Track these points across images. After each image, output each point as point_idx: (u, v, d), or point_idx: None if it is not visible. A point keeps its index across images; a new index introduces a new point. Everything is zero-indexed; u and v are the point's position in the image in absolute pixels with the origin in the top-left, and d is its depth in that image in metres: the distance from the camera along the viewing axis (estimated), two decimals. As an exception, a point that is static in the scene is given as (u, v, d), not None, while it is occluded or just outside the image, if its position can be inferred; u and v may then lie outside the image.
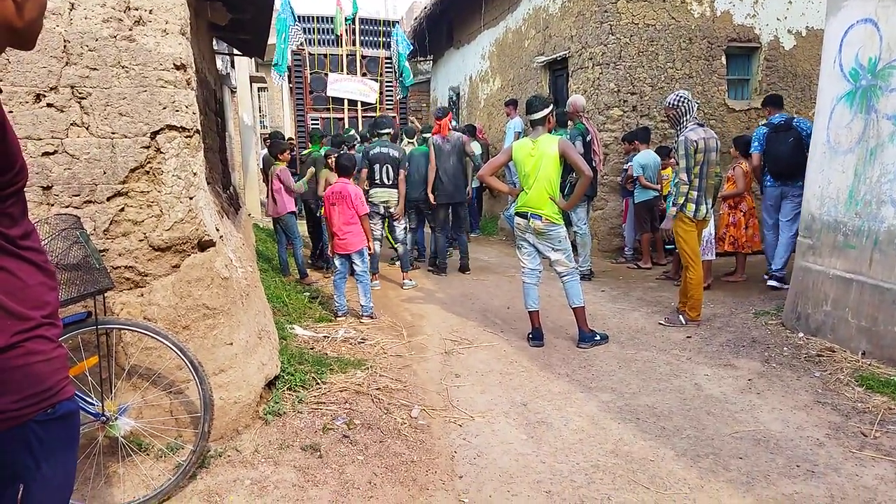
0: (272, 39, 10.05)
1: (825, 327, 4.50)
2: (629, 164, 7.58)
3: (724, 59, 8.41)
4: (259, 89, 17.10)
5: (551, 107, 4.71)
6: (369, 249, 5.73)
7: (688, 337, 4.85)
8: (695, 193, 4.90)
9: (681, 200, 4.91)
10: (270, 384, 3.55)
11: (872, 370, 3.93)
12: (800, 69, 8.71)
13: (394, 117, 11.02)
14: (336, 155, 6.43)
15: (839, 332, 4.37)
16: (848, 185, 4.35)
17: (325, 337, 4.89)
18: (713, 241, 6.25)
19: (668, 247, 7.10)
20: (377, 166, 6.74)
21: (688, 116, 4.90)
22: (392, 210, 6.83)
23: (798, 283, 4.83)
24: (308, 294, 6.25)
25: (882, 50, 4.08)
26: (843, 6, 4.43)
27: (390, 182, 6.78)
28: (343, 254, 5.59)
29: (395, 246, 7.11)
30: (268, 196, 7.30)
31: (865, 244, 4.18)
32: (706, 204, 4.97)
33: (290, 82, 11.80)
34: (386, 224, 7.29)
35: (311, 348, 4.55)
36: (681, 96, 4.93)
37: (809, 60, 8.57)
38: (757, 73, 8.70)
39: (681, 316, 5.15)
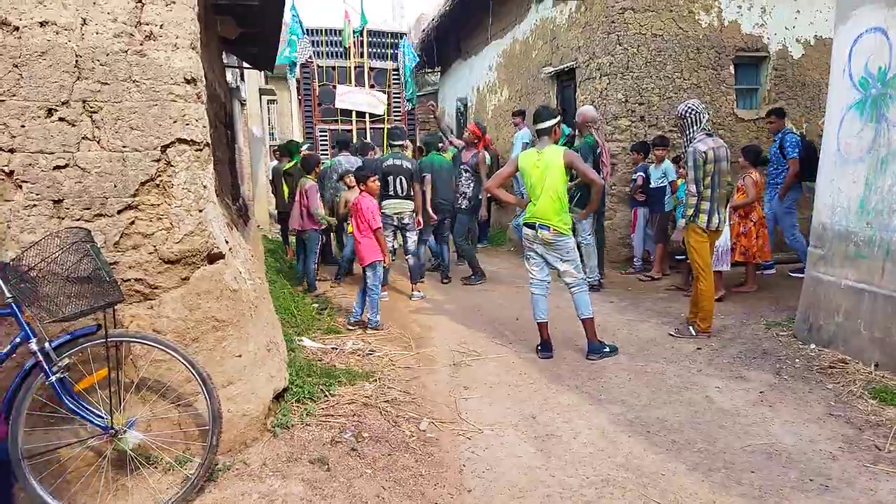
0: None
1: (837, 338, 4.45)
2: (638, 173, 7.57)
3: (732, 68, 8.38)
4: (269, 102, 17.22)
5: (559, 118, 4.73)
6: (384, 263, 5.75)
7: (698, 348, 4.82)
8: (707, 204, 4.87)
9: (689, 211, 4.89)
10: (279, 396, 3.54)
11: (886, 382, 3.88)
12: (808, 78, 8.68)
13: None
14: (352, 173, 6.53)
15: (851, 343, 4.33)
16: (859, 194, 4.32)
17: (333, 349, 4.89)
18: (728, 251, 6.21)
19: (677, 257, 7.06)
20: (391, 178, 6.76)
21: (695, 127, 4.88)
22: (406, 221, 6.84)
23: (809, 293, 4.79)
24: (317, 305, 6.26)
25: (892, 59, 4.06)
26: (853, 15, 4.41)
27: (404, 193, 6.80)
28: (362, 266, 5.67)
29: (406, 258, 7.11)
30: (295, 208, 7.24)
31: (877, 254, 4.14)
32: (719, 214, 4.94)
33: (298, 94, 11.88)
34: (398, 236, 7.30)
35: (320, 360, 4.55)
36: (689, 107, 4.92)
37: (818, 69, 8.54)
38: (765, 83, 8.67)
39: (691, 327, 5.11)
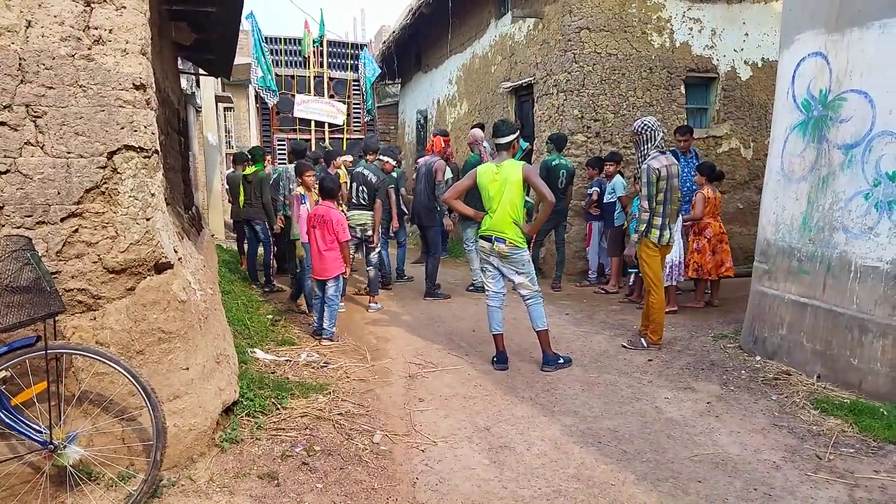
0: (243, 60, 9.99)
1: (781, 351, 4.60)
2: (593, 188, 7.70)
3: (683, 88, 8.65)
4: (225, 109, 16.95)
5: (517, 133, 4.78)
6: (345, 275, 5.68)
7: (649, 360, 4.91)
8: (659, 220, 4.98)
9: (642, 227, 4.99)
10: (228, 410, 3.47)
11: (827, 393, 4.02)
12: (756, 98, 9.01)
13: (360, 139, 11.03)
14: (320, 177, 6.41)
15: (795, 355, 4.47)
16: (801, 211, 4.48)
17: (286, 361, 4.81)
18: (679, 266, 6.35)
19: (630, 270, 7.20)
20: (354, 185, 6.75)
21: (649, 144, 4.99)
22: (370, 233, 6.78)
23: (755, 307, 4.94)
24: (271, 317, 6.16)
25: (832, 82, 4.24)
26: (796, 39, 4.60)
27: (366, 203, 6.77)
28: (320, 279, 5.53)
29: (367, 269, 7.04)
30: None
31: (819, 269, 4.30)
32: (669, 229, 5.06)
33: (256, 102, 11.75)
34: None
35: (273, 372, 4.47)
36: (645, 124, 5.02)
37: (765, 90, 8.87)
38: (715, 102, 8.96)
39: (642, 339, 5.20)
